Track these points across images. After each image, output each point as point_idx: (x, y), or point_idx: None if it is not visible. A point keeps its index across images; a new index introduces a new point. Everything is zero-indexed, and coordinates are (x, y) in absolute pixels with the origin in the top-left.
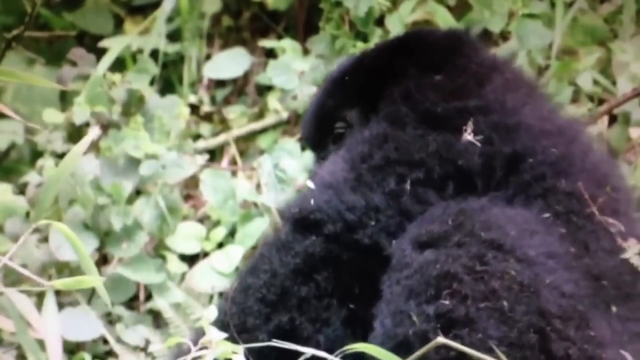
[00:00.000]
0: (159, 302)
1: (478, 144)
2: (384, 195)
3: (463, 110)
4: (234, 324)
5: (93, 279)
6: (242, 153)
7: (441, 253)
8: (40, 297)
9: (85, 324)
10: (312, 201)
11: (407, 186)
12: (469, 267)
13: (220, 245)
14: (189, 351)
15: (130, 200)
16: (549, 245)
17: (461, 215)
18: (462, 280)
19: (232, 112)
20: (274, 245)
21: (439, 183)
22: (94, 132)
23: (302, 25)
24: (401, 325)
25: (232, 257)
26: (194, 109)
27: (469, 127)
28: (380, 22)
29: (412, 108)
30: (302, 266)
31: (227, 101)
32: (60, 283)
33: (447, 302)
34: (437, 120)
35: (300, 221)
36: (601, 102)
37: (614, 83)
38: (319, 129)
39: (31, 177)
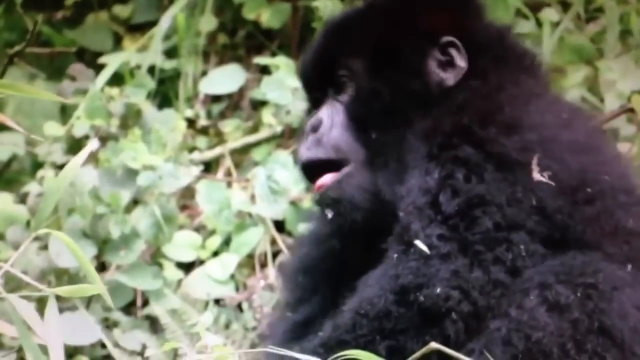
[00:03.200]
0: (156, 308)
1: (552, 182)
2: (505, 268)
3: (526, 147)
4: None
5: (94, 287)
6: (237, 165)
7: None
8: (40, 302)
9: (83, 329)
10: (438, 289)
11: (523, 253)
12: (565, 350)
13: (216, 254)
14: None
15: (128, 210)
16: None
17: (591, 290)
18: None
19: (228, 126)
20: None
21: (538, 237)
22: (93, 144)
23: (296, 43)
24: None
25: (227, 265)
26: (191, 122)
27: (535, 165)
28: None
29: (483, 154)
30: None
31: (222, 115)
32: (63, 290)
33: None
34: (510, 164)
35: (427, 310)
36: None
37: (601, 100)
38: (319, 73)
39: (32, 187)
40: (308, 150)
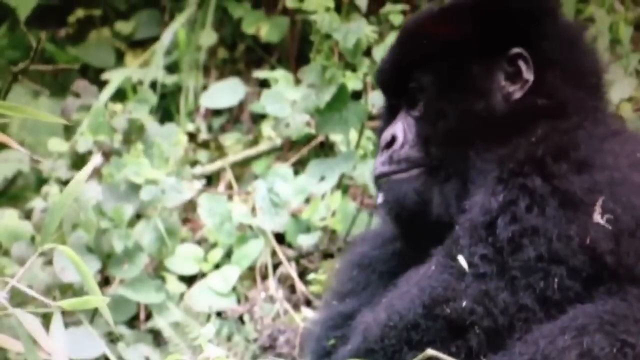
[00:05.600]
0: (159, 321)
1: (609, 226)
2: (534, 295)
3: (594, 188)
4: None
5: (98, 299)
6: (237, 178)
7: None
8: (45, 317)
9: (88, 343)
10: (464, 303)
11: (555, 285)
12: None
13: (217, 266)
14: None
15: (131, 224)
16: None
17: (629, 349)
18: None
19: (228, 139)
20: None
21: (578, 275)
22: (96, 160)
23: (294, 57)
24: None
25: (229, 277)
26: (192, 136)
27: (599, 207)
28: (368, 52)
29: (551, 187)
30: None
31: (223, 129)
32: (67, 304)
33: None
34: (574, 202)
35: (452, 322)
36: None
37: None
38: (393, 81)
39: (36, 203)
40: (382, 166)
